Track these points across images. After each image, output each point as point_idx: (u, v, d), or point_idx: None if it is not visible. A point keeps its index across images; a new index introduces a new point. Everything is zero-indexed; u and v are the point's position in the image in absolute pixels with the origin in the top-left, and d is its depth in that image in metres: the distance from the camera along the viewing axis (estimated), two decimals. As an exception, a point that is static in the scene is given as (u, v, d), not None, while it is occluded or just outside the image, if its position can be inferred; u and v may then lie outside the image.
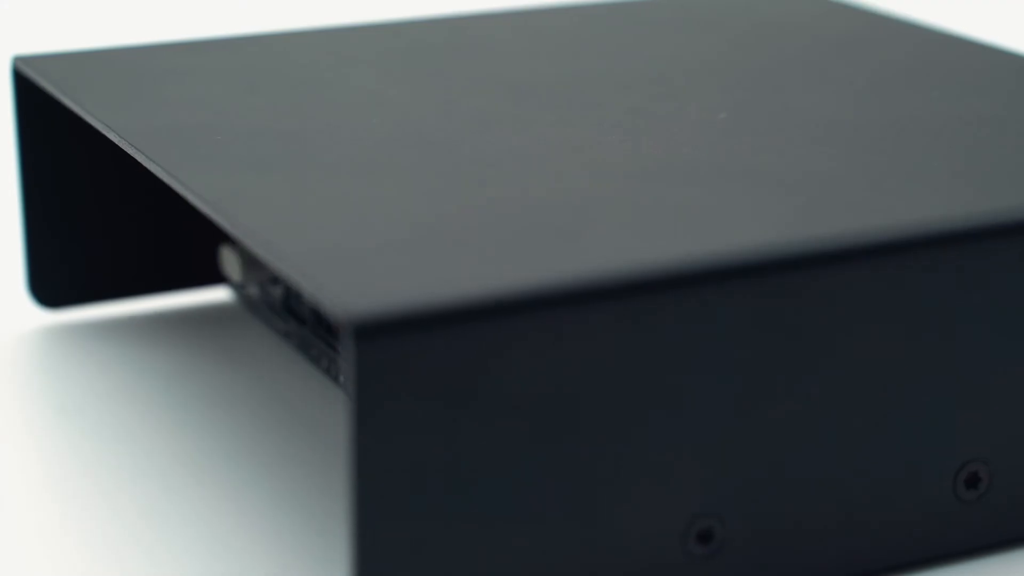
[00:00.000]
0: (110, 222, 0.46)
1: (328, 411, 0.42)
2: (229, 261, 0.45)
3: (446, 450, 0.30)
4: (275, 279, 0.45)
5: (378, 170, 0.36)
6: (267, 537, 0.36)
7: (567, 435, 0.31)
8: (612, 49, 0.45)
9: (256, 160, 0.36)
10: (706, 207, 0.34)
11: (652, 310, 0.31)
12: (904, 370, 0.33)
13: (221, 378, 0.44)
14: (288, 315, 0.44)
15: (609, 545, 0.32)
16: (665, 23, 0.48)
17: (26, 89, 0.44)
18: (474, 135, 0.38)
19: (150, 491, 0.38)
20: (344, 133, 0.38)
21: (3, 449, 0.40)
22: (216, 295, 0.48)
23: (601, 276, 0.31)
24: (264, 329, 0.46)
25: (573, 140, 0.38)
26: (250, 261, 0.44)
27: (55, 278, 0.46)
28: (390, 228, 0.33)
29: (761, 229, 0.33)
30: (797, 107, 0.40)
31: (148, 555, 0.36)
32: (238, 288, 0.47)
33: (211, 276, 0.48)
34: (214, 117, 0.39)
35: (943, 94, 0.41)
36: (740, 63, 0.44)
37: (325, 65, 0.44)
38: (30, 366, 0.45)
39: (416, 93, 0.41)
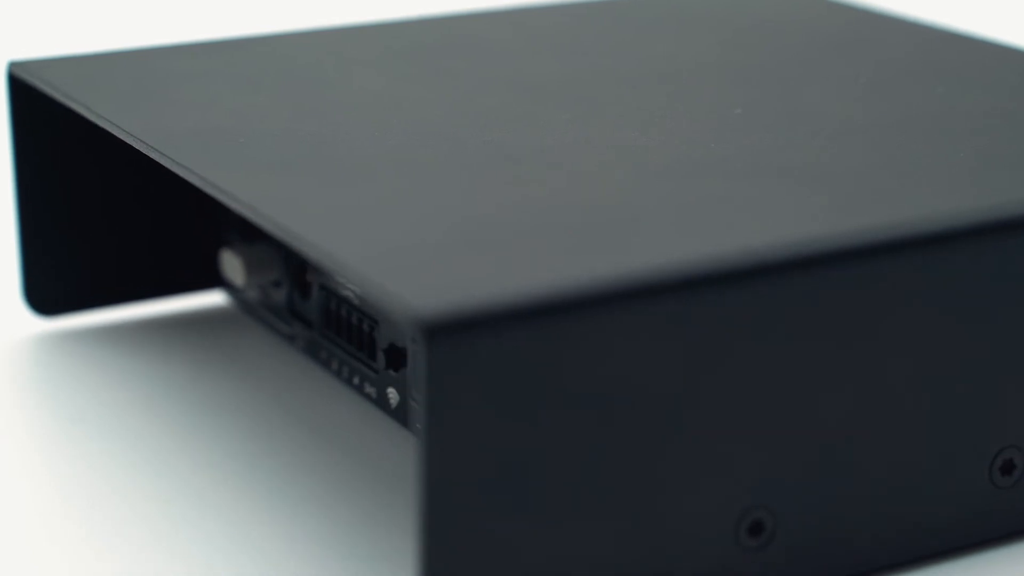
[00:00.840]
0: (105, 228, 0.46)
1: (333, 411, 0.42)
2: (231, 265, 0.44)
3: (512, 446, 0.30)
4: (278, 282, 0.44)
5: (409, 170, 0.36)
6: (283, 537, 0.36)
7: (626, 430, 0.31)
8: (614, 48, 0.46)
9: (285, 162, 0.36)
10: (752, 202, 0.34)
11: (707, 305, 0.31)
12: (942, 361, 0.34)
13: (223, 381, 0.43)
14: (292, 318, 0.44)
15: (663, 537, 0.32)
16: (666, 22, 0.48)
17: (21, 94, 0.44)
18: (495, 134, 0.38)
19: (157, 495, 0.38)
20: (366, 133, 0.38)
21: (6, 456, 0.40)
22: (211, 299, 0.48)
23: (661, 272, 0.31)
24: (264, 332, 0.46)
25: (595, 137, 0.38)
26: (254, 264, 0.44)
27: (50, 286, 0.46)
28: (436, 227, 0.33)
29: (806, 223, 0.33)
30: (808, 104, 0.41)
31: (169, 560, 0.36)
32: (237, 292, 0.47)
33: (207, 280, 0.47)
34: (231, 120, 0.39)
35: (948, 90, 0.42)
36: (744, 61, 0.44)
37: (332, 65, 0.44)
38: (27, 374, 0.44)
39: (430, 92, 0.41)
